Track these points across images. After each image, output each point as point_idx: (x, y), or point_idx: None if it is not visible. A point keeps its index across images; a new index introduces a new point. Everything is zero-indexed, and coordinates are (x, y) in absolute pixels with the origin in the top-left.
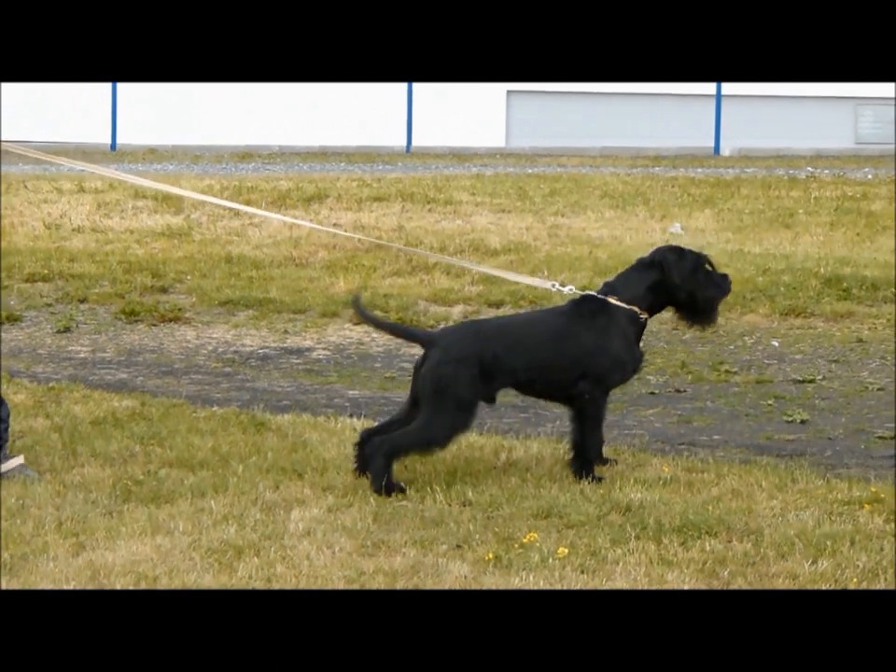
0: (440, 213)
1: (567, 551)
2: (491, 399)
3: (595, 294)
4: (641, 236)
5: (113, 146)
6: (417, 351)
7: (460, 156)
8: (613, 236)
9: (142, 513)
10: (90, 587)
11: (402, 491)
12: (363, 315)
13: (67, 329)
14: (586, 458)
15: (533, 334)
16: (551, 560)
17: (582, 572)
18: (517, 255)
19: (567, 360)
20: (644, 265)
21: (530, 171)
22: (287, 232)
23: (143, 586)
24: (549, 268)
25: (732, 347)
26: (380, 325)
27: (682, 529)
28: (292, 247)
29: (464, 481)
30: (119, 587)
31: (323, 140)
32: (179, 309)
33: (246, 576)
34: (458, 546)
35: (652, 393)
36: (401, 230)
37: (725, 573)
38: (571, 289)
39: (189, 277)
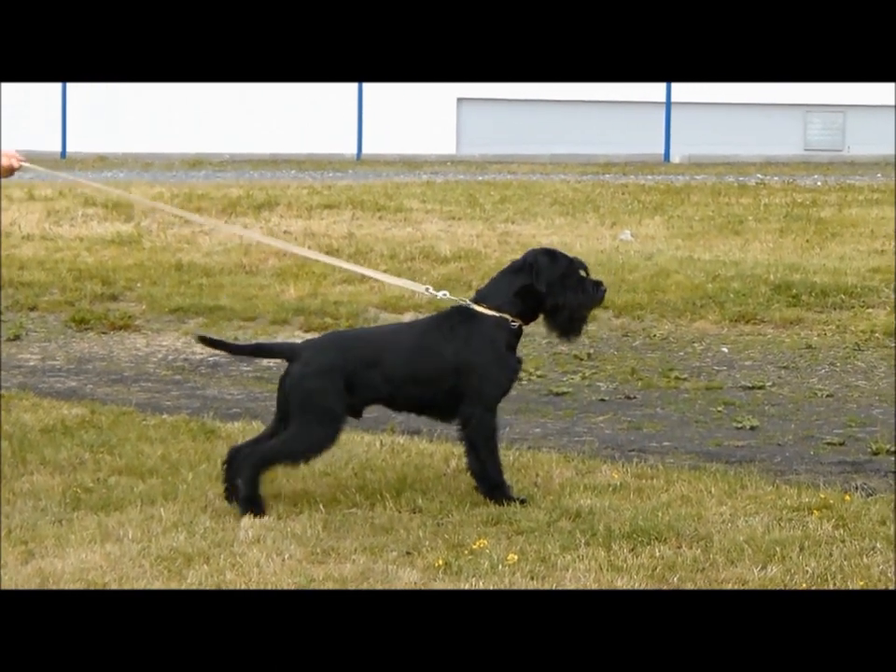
0: (390, 220)
1: (516, 557)
2: (357, 414)
3: (462, 303)
4: (591, 243)
5: (63, 153)
6: None
7: (411, 163)
8: (564, 243)
9: (91, 521)
10: None
11: (262, 510)
12: (215, 346)
13: (17, 337)
14: (494, 483)
15: (393, 347)
16: (500, 566)
17: (532, 578)
18: (467, 262)
19: (428, 374)
20: (514, 269)
21: (481, 178)
22: (238, 240)
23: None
24: None
25: (681, 354)
26: (236, 350)
27: (632, 535)
28: (242, 255)
29: (414, 487)
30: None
31: (273, 148)
32: (129, 317)
33: (196, 583)
34: (408, 553)
35: (602, 400)
36: (352, 237)
37: (675, 579)
38: (445, 294)
39: (139, 285)
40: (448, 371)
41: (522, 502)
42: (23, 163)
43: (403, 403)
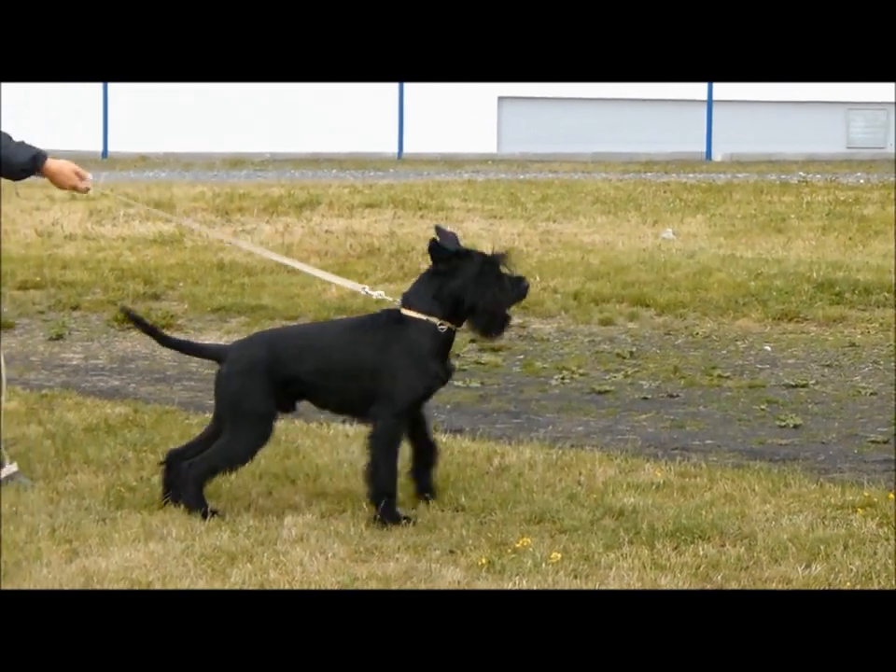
0: (431, 219)
1: (559, 556)
2: (290, 408)
3: (391, 307)
4: (634, 241)
5: (104, 153)
6: None
7: (452, 162)
8: (605, 242)
9: (135, 520)
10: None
11: (214, 513)
12: (141, 327)
13: (60, 337)
14: (380, 490)
15: (315, 343)
16: (544, 565)
17: (575, 577)
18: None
19: (346, 373)
20: (432, 271)
21: (522, 177)
22: (279, 239)
23: (136, 589)
24: (541, 273)
25: (724, 352)
26: (163, 340)
27: (675, 534)
28: (284, 254)
29: (456, 486)
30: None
31: (315, 147)
32: (172, 316)
33: (240, 582)
34: (451, 551)
35: (645, 398)
36: (393, 236)
37: (719, 577)
38: (381, 295)
39: (181, 284)
40: (365, 372)
41: (397, 520)
42: (89, 186)
43: (325, 400)
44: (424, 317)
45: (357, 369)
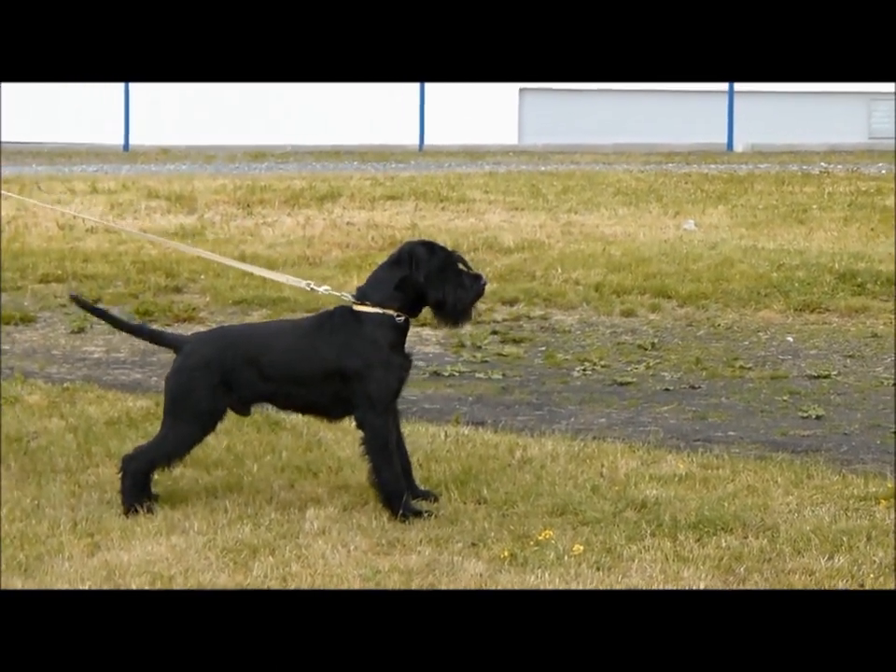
0: (453, 211)
1: (582, 548)
2: (244, 411)
3: (344, 303)
4: (655, 233)
5: (126, 146)
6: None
7: (473, 154)
8: (627, 233)
9: (157, 513)
10: (105, 587)
11: (150, 511)
12: (92, 313)
13: (81, 330)
14: (388, 492)
15: (273, 346)
16: (566, 557)
17: (598, 569)
18: (531, 252)
19: (309, 376)
20: (392, 262)
21: (543, 168)
22: (301, 231)
23: (158, 586)
24: (562, 265)
25: (746, 343)
26: (118, 324)
27: (698, 526)
28: (305, 246)
29: (478, 479)
30: (134, 587)
31: (336, 139)
32: (193, 308)
33: (262, 575)
34: (473, 544)
35: (667, 389)
36: (415, 228)
37: (741, 569)
38: (327, 290)
39: (202, 277)
40: (331, 373)
41: (417, 514)
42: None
43: (286, 403)
44: (380, 311)
45: (322, 371)
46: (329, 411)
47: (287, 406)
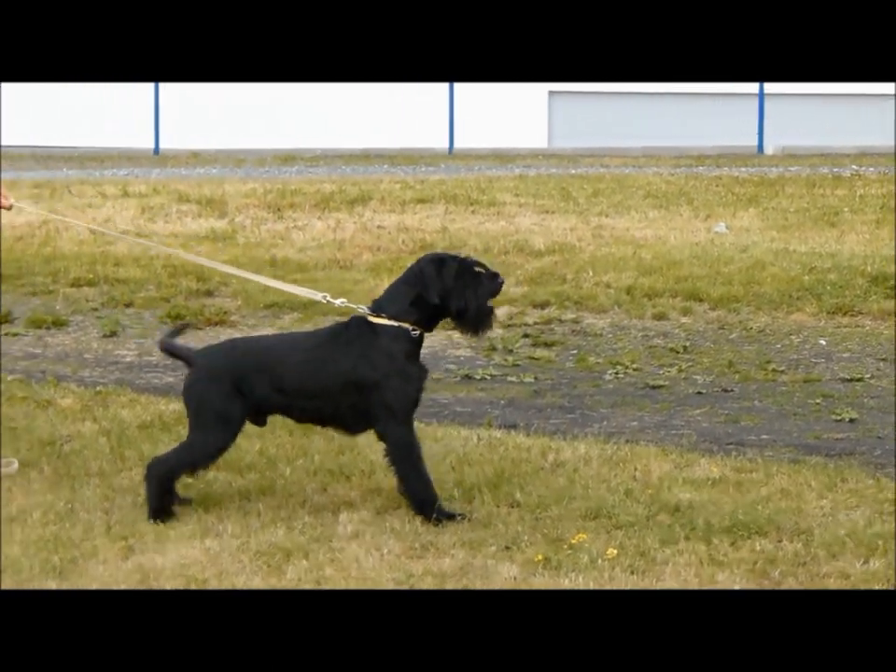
0: (483, 214)
1: (616, 552)
2: (260, 422)
3: (360, 315)
4: (686, 236)
5: (156, 150)
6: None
7: (503, 157)
8: (658, 236)
9: (191, 516)
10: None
11: (170, 514)
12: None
13: (113, 334)
14: (421, 499)
15: (287, 358)
16: (600, 561)
17: (632, 573)
18: (561, 255)
19: (325, 388)
20: (407, 279)
21: (573, 171)
22: (332, 235)
23: (192, 589)
24: (593, 268)
25: (779, 346)
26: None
27: (732, 529)
28: (336, 250)
29: (511, 482)
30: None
31: (365, 143)
32: (225, 312)
33: (295, 578)
34: (507, 547)
35: (700, 393)
36: (445, 231)
37: (776, 573)
38: (343, 303)
39: (233, 280)
40: (348, 385)
41: (451, 517)
42: (12, 203)
43: (301, 415)
44: (395, 323)
45: (339, 383)
46: (347, 423)
47: (304, 418)
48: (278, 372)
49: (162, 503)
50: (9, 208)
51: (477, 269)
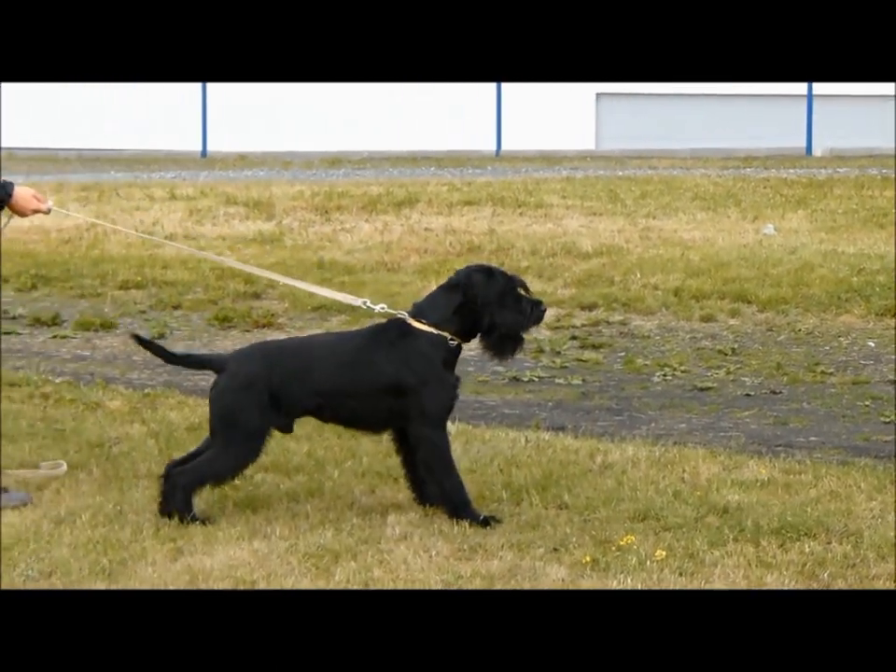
0: (530, 216)
1: (664, 553)
2: (287, 428)
3: (401, 318)
4: (734, 237)
5: (203, 153)
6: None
7: (550, 159)
8: (706, 238)
9: (239, 518)
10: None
11: (204, 522)
12: (149, 349)
13: (161, 336)
14: (455, 503)
15: (323, 359)
16: (648, 563)
17: (681, 574)
18: (609, 257)
19: (363, 389)
20: (451, 286)
21: (621, 173)
22: (379, 237)
23: (241, 589)
24: (641, 270)
25: (827, 348)
26: (169, 358)
27: (781, 531)
28: (384, 252)
29: (559, 484)
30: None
31: (412, 145)
32: (272, 315)
33: (344, 580)
34: (555, 549)
35: (748, 395)
36: (492, 233)
37: (825, 575)
38: (383, 308)
39: (281, 283)
40: (387, 388)
41: (486, 522)
42: (50, 206)
43: (333, 416)
44: (434, 330)
45: (377, 385)
46: (378, 424)
47: (333, 418)
48: (316, 374)
49: (190, 509)
50: (48, 212)
51: (521, 291)
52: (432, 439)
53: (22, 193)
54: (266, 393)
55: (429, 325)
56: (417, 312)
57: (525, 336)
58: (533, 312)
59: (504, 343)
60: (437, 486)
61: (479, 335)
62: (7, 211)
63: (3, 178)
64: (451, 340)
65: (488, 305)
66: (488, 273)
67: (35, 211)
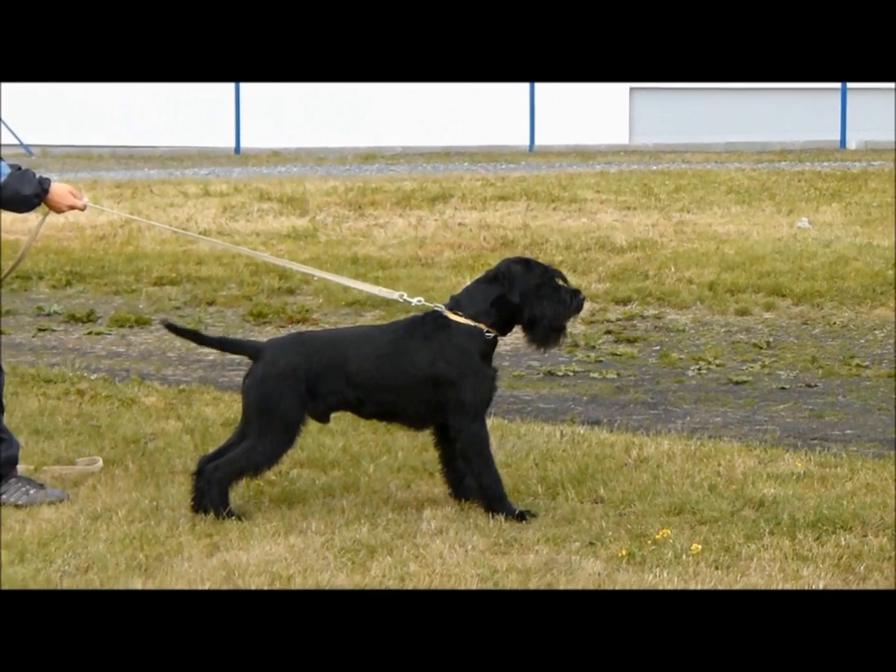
0: (564, 211)
1: (700, 547)
2: (324, 419)
3: (438, 310)
4: (768, 231)
5: (237, 149)
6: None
7: (583, 154)
8: (740, 231)
9: (275, 514)
10: (225, 587)
11: (239, 517)
12: (182, 335)
13: None
14: (492, 496)
15: (360, 350)
16: (684, 556)
17: (717, 568)
18: (643, 252)
19: (401, 382)
20: (489, 278)
21: (654, 167)
22: (413, 232)
23: (277, 586)
24: (675, 264)
25: (862, 341)
26: (203, 340)
27: (817, 524)
28: (418, 247)
29: (595, 478)
30: (253, 587)
31: (446, 140)
32: (307, 310)
33: (380, 575)
34: (591, 543)
35: (783, 388)
36: (526, 228)
37: (861, 568)
38: (420, 301)
39: (315, 279)
40: (426, 380)
41: (521, 517)
42: (86, 203)
43: (372, 410)
44: (471, 322)
45: (415, 378)
46: (417, 418)
47: (372, 414)
48: (354, 367)
49: (226, 504)
50: (83, 208)
51: (559, 281)
52: (471, 430)
53: (59, 189)
54: (304, 383)
55: (466, 317)
56: (454, 304)
57: (566, 326)
58: (573, 301)
59: (547, 334)
60: (475, 479)
61: (521, 327)
62: (43, 207)
63: (40, 175)
64: (487, 332)
65: (528, 297)
66: (526, 264)
67: (71, 207)
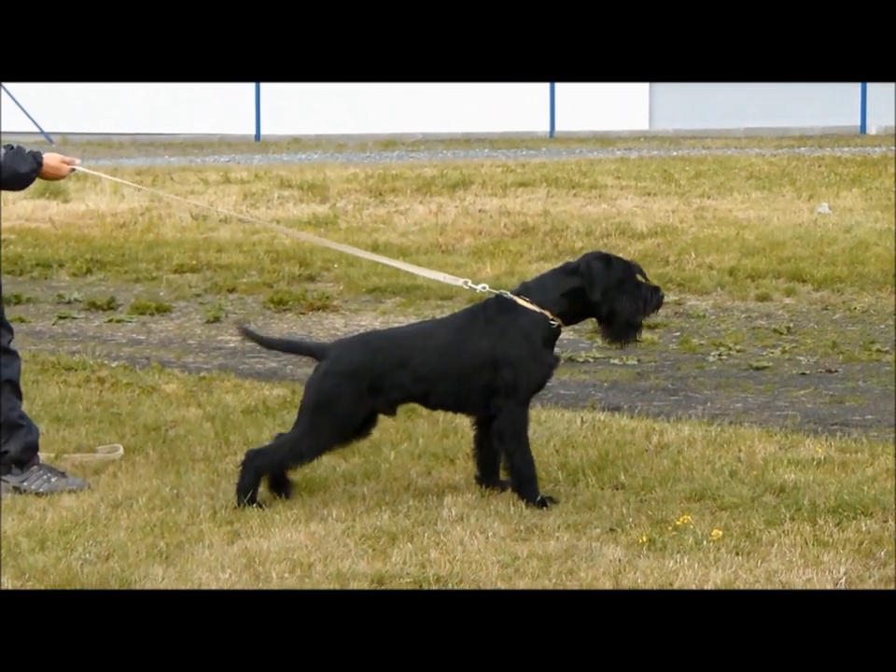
0: (585, 197)
1: (721, 533)
2: (391, 412)
3: (503, 294)
4: (789, 217)
5: (257, 136)
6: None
7: (603, 140)
8: (760, 217)
9: (295, 501)
10: (245, 575)
11: (260, 506)
12: (255, 340)
13: (216, 319)
14: (523, 477)
15: (425, 344)
16: (705, 542)
17: (737, 554)
18: (664, 237)
19: (464, 370)
20: (567, 270)
21: (674, 153)
22: (433, 219)
23: (298, 573)
24: (696, 250)
25: (882, 327)
26: (272, 344)
27: (837, 510)
28: (438, 234)
29: (615, 464)
30: (274, 575)
31: (466, 127)
32: (327, 297)
33: (400, 561)
34: (612, 530)
35: (804, 373)
36: (547, 214)
37: (882, 553)
38: (484, 287)
39: (335, 266)
40: (486, 363)
41: (543, 503)
42: (77, 168)
43: (438, 401)
44: (537, 309)
45: (477, 363)
46: (479, 405)
47: (438, 404)
48: (419, 361)
49: (249, 491)
50: (73, 171)
51: (640, 277)
52: (513, 411)
53: (51, 161)
54: (366, 382)
55: (533, 303)
56: (523, 290)
57: (643, 322)
58: (652, 298)
59: (624, 330)
60: (506, 458)
61: (597, 321)
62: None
63: (31, 150)
64: (552, 321)
65: (608, 293)
66: (607, 260)
67: (72, 170)
